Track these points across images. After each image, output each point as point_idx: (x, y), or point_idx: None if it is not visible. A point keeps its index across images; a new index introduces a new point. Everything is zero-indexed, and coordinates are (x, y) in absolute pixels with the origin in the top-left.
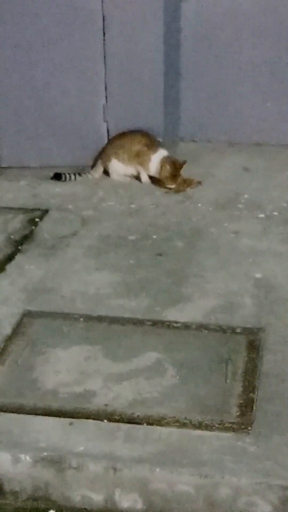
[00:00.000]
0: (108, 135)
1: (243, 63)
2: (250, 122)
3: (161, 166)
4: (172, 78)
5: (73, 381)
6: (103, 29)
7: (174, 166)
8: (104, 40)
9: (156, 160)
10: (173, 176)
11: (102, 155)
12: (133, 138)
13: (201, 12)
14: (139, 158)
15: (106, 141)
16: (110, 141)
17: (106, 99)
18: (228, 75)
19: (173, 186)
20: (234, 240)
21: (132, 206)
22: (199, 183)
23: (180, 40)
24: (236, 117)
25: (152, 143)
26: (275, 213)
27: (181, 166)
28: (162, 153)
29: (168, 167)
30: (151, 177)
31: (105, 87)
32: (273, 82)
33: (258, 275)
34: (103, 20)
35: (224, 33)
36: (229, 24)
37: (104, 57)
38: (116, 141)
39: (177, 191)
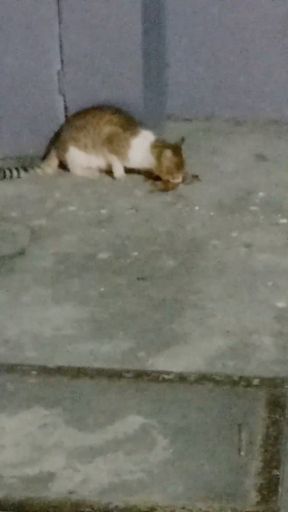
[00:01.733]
0: (65, 114)
1: (255, 10)
2: (264, 92)
3: (157, 154)
4: (155, 33)
5: (24, 459)
6: None
7: (176, 151)
8: None
9: (140, 146)
10: (178, 166)
11: (56, 143)
12: (100, 116)
13: None
14: (112, 144)
15: (62, 120)
16: (67, 122)
17: (62, 63)
18: (233, 28)
19: (179, 180)
20: (246, 256)
21: (103, 211)
22: (196, 177)
23: None
24: (245, 86)
25: (129, 123)
26: None
27: (181, 149)
28: (147, 136)
29: (169, 154)
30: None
31: (60, 48)
32: None
33: (280, 304)
34: None
35: None
36: None
37: (58, 7)
38: (75, 121)
39: (164, 189)
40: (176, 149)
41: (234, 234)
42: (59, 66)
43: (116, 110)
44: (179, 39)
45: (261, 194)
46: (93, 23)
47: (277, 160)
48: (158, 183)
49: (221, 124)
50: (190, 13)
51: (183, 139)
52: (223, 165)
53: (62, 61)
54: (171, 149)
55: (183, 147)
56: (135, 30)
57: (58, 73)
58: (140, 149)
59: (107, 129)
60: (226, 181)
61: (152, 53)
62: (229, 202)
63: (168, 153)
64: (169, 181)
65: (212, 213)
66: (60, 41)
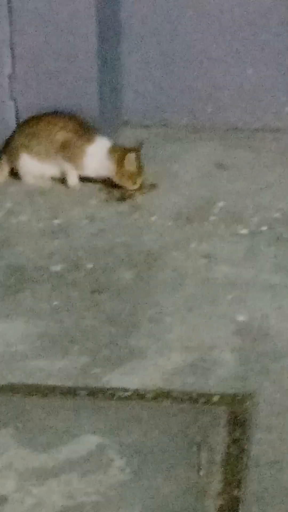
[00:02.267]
0: (17, 120)
1: (213, 12)
2: (223, 98)
3: (117, 159)
4: (110, 37)
5: None
6: None
7: (136, 156)
8: None
9: (96, 153)
10: (138, 172)
11: (7, 149)
12: (53, 123)
13: None
14: (66, 151)
15: (13, 127)
16: (19, 128)
17: (13, 67)
18: (190, 32)
19: (136, 187)
20: (205, 268)
21: (56, 221)
22: (153, 186)
23: None
24: (203, 91)
25: (84, 129)
26: (263, 228)
27: (139, 153)
28: (103, 142)
29: (132, 157)
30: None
31: (11, 50)
32: (257, 38)
33: (241, 318)
34: None
35: None
36: None
37: (9, 7)
38: (27, 128)
39: (120, 198)
40: (136, 154)
41: (193, 245)
42: (10, 70)
43: (71, 117)
44: (135, 43)
45: (220, 203)
46: (47, 25)
47: (237, 168)
48: (115, 192)
49: (179, 131)
50: (147, 16)
51: (141, 144)
52: (182, 173)
53: (13, 64)
54: (130, 156)
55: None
56: (90, 33)
57: (9, 77)
58: (96, 156)
59: (60, 136)
60: (185, 190)
61: (107, 57)
62: (188, 212)
63: (131, 156)
64: (127, 188)
65: (170, 223)
66: (11, 43)
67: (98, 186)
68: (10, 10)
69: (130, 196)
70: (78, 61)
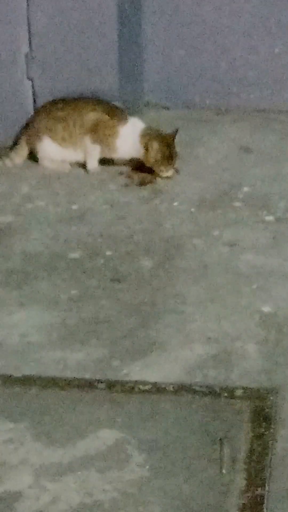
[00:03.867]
0: (34, 99)
1: None
2: (249, 78)
3: (147, 144)
4: (131, 15)
5: None
6: None
7: (167, 141)
8: None
9: (128, 134)
10: (169, 157)
11: (29, 130)
12: (83, 104)
13: None
14: (97, 133)
15: (30, 107)
16: (44, 110)
17: (30, 45)
18: (215, 7)
19: (169, 173)
20: (229, 256)
21: (74, 207)
22: (175, 170)
23: None
24: (228, 71)
25: (115, 110)
26: None
27: (173, 139)
28: (136, 123)
29: (158, 144)
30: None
31: (28, 28)
32: (284, 16)
33: (266, 309)
34: None
35: None
36: None
37: None
38: (54, 111)
39: (141, 183)
40: (168, 140)
41: (216, 232)
42: (27, 49)
43: (100, 99)
44: (156, 21)
45: (245, 189)
46: (65, 3)
47: (263, 152)
48: (136, 176)
49: (202, 113)
50: None
51: (177, 130)
52: (205, 157)
53: (30, 43)
54: (160, 140)
55: (176, 138)
56: (110, 11)
57: (26, 56)
58: (129, 137)
59: (91, 117)
60: (208, 174)
61: (128, 36)
62: (211, 198)
63: (154, 145)
64: (157, 174)
65: (192, 210)
66: (28, 21)
67: (118, 170)
68: None
69: (151, 181)
70: (98, 39)
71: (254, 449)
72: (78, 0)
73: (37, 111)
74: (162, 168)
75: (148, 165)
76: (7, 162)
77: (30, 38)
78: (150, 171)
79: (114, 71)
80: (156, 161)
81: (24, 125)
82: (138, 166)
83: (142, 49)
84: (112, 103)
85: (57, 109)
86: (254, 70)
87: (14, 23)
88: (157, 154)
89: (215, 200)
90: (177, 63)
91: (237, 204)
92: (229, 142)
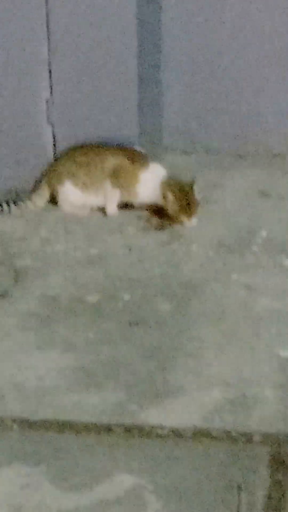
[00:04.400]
0: (54, 144)
1: (257, 36)
2: (268, 124)
3: (164, 194)
4: (151, 61)
5: None
6: None
7: (184, 191)
8: (46, 3)
9: (149, 180)
10: (188, 206)
11: (50, 174)
12: (104, 149)
13: None
14: (118, 178)
15: (50, 152)
16: (66, 154)
17: (51, 91)
18: (235, 55)
19: (191, 222)
20: (247, 300)
21: (93, 251)
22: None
23: (161, 2)
24: (247, 116)
25: (137, 156)
26: None
27: (192, 189)
28: (157, 169)
29: (173, 195)
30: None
31: (49, 74)
32: None
33: (284, 354)
34: None
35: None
36: None
37: (47, 28)
38: (76, 156)
39: (160, 227)
40: (186, 189)
41: (234, 276)
42: (47, 94)
43: (122, 146)
44: (176, 66)
45: (264, 233)
46: (85, 49)
47: (282, 196)
48: (154, 220)
49: (221, 157)
50: (189, 39)
51: (194, 180)
52: (223, 201)
53: (51, 89)
54: (177, 191)
55: (195, 187)
56: (130, 56)
57: (47, 102)
58: (150, 183)
59: (112, 162)
60: (226, 218)
61: (148, 82)
62: (229, 242)
63: (169, 196)
64: (179, 221)
65: (210, 253)
66: (49, 67)
67: (136, 214)
68: (48, 34)
69: (170, 225)
70: (118, 85)
71: (272, 496)
72: (99, 46)
73: (60, 156)
74: (181, 217)
75: (167, 209)
76: (30, 204)
77: (51, 84)
78: (168, 215)
79: (133, 116)
80: (174, 211)
81: (47, 168)
82: (157, 210)
83: (161, 94)
84: (134, 147)
85: (80, 154)
86: (273, 115)
87: (36, 69)
88: (173, 205)
89: (233, 244)
90: (196, 108)
91: (255, 248)
92: (247, 186)
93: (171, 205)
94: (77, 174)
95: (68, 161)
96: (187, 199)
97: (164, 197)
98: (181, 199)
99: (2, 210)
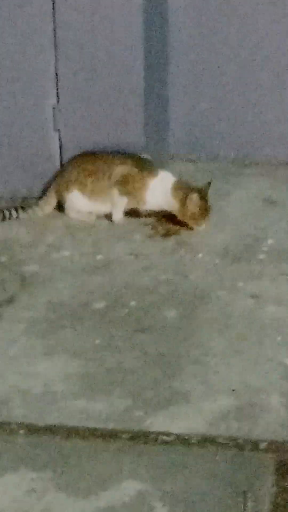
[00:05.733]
0: (60, 150)
1: (264, 46)
2: (274, 132)
3: (181, 197)
4: (156, 69)
5: None
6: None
7: (203, 194)
8: (53, 11)
9: (158, 187)
10: (204, 211)
11: (57, 181)
12: (112, 157)
13: None
14: (125, 186)
15: (57, 159)
16: (74, 162)
17: (58, 98)
18: (240, 64)
19: (204, 226)
20: (253, 308)
21: (99, 257)
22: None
23: (166, 11)
24: (254, 124)
25: (145, 164)
26: None
27: (207, 192)
28: (166, 177)
29: (195, 198)
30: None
31: (56, 81)
32: None
33: None
34: None
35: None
36: None
37: (54, 37)
38: (84, 164)
39: (166, 234)
40: (203, 193)
41: (240, 284)
42: (54, 101)
43: (129, 153)
44: (182, 75)
45: (270, 241)
46: (92, 57)
47: None
48: (160, 227)
49: (227, 165)
50: (194, 47)
51: (210, 183)
52: (229, 209)
53: (57, 95)
54: (197, 192)
55: (209, 191)
56: (137, 64)
57: (53, 109)
58: (159, 190)
59: (120, 170)
60: (232, 226)
61: (153, 90)
62: (235, 250)
63: (194, 197)
64: (193, 224)
65: (216, 261)
66: (56, 74)
67: (143, 221)
68: (55, 41)
69: (176, 232)
70: (124, 92)
71: (278, 503)
72: (106, 54)
73: (67, 163)
74: (199, 221)
75: (182, 218)
76: (37, 211)
77: (57, 91)
78: (175, 222)
79: (140, 124)
80: (193, 214)
81: (54, 175)
82: (163, 217)
83: (168, 102)
84: (141, 155)
85: (87, 162)
86: (279, 124)
87: (42, 76)
88: (195, 207)
89: (240, 252)
90: (202, 116)
91: (262, 256)
92: (253, 195)
93: (193, 207)
94: (84, 182)
95: (75, 169)
96: (205, 203)
97: (183, 200)
98: (201, 202)
99: (10, 216)
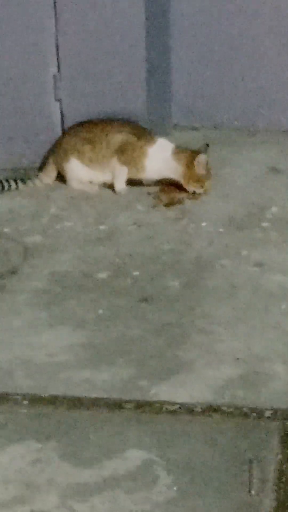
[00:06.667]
0: (62, 120)
1: (268, 10)
2: (278, 99)
3: (185, 161)
4: (158, 37)
5: (14, 498)
6: None
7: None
8: None
9: (158, 154)
10: (206, 175)
11: (56, 151)
12: (109, 126)
13: None
14: (124, 154)
15: (58, 128)
16: (71, 131)
17: (59, 67)
18: (242, 29)
19: (203, 190)
20: (257, 276)
21: (102, 227)
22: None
23: None
24: (257, 92)
25: (142, 131)
26: None
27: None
28: (165, 144)
29: (203, 159)
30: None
31: (57, 49)
32: None
33: None
34: None
35: None
36: None
37: (54, 3)
38: (81, 132)
39: (169, 203)
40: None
41: (245, 252)
42: (55, 70)
43: (126, 121)
44: (184, 42)
45: (274, 209)
46: (93, 25)
47: None
48: (163, 197)
49: (230, 133)
50: (196, 16)
51: (207, 145)
52: (233, 178)
53: (58, 64)
54: (196, 157)
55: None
56: (138, 32)
57: (54, 77)
58: (159, 157)
59: (118, 139)
60: (236, 195)
61: (155, 58)
62: (239, 218)
63: (202, 158)
64: (195, 191)
65: (220, 230)
66: (57, 42)
67: (145, 190)
68: (55, 10)
69: (179, 201)
70: (126, 61)
71: (283, 471)
72: (106, 22)
73: (64, 133)
74: (200, 184)
75: (187, 182)
76: (37, 182)
77: (58, 59)
78: (178, 191)
79: (142, 93)
80: (199, 176)
81: (52, 146)
82: (165, 186)
83: (169, 71)
84: (138, 124)
85: (85, 130)
86: (283, 91)
87: (43, 45)
88: (203, 168)
89: (244, 221)
90: (205, 84)
91: (266, 224)
92: (257, 163)
93: (201, 168)
94: (82, 150)
95: (73, 137)
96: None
97: (189, 162)
98: (203, 166)
99: (9, 188)
